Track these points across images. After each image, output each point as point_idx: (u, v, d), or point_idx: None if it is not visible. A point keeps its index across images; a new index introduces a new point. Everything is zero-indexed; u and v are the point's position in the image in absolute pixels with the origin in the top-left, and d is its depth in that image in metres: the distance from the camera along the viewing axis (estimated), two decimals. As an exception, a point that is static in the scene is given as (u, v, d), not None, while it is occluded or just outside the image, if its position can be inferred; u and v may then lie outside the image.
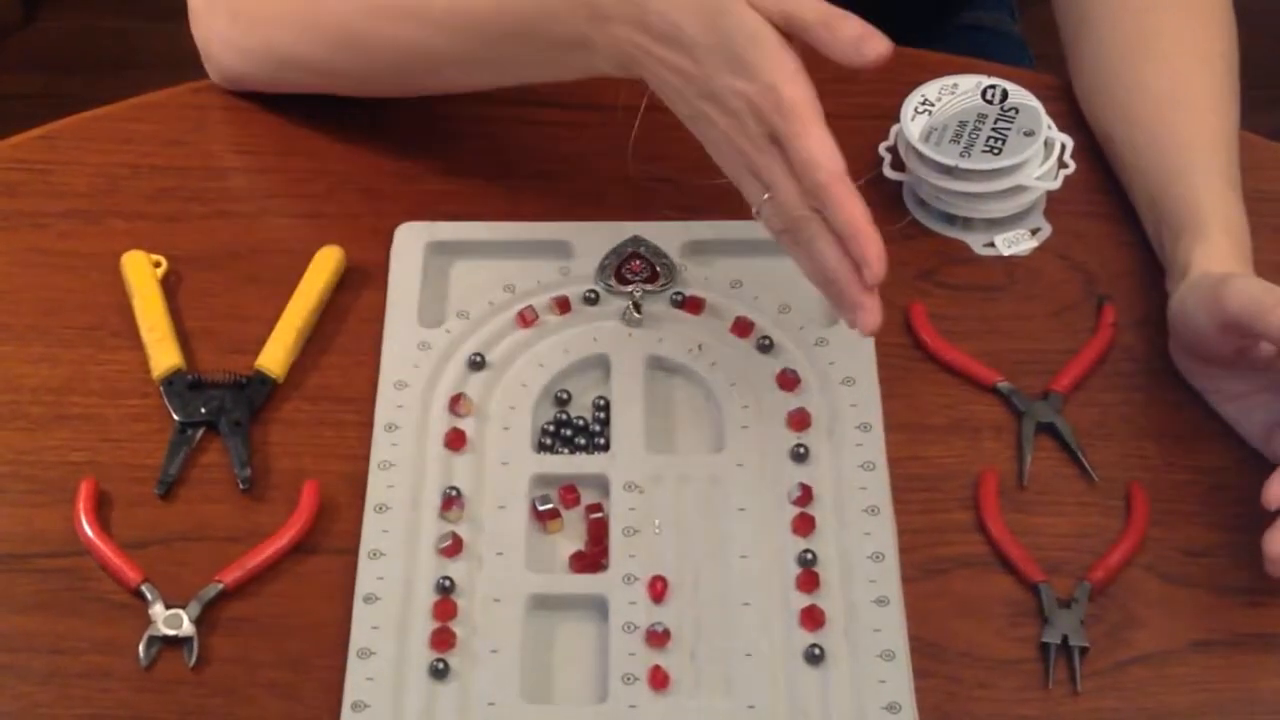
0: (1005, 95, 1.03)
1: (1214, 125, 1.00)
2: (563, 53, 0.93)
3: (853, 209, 0.83)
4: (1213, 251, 0.94)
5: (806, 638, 0.85)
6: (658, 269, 0.99)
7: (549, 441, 0.93)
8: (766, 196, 0.86)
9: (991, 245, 1.02)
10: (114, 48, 2.29)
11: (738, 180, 0.88)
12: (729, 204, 1.03)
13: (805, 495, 0.90)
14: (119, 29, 2.31)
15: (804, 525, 0.89)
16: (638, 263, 0.99)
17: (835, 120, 1.08)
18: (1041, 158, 1.01)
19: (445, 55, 0.98)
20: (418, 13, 0.97)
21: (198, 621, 0.85)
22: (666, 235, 1.01)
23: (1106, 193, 1.04)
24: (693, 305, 0.98)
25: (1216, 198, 0.96)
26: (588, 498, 0.91)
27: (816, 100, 0.84)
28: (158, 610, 0.86)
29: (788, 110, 0.83)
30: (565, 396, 0.95)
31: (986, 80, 1.03)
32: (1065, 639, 0.84)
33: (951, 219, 1.03)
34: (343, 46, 1.01)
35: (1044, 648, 0.85)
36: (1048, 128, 1.02)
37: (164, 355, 0.96)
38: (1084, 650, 0.84)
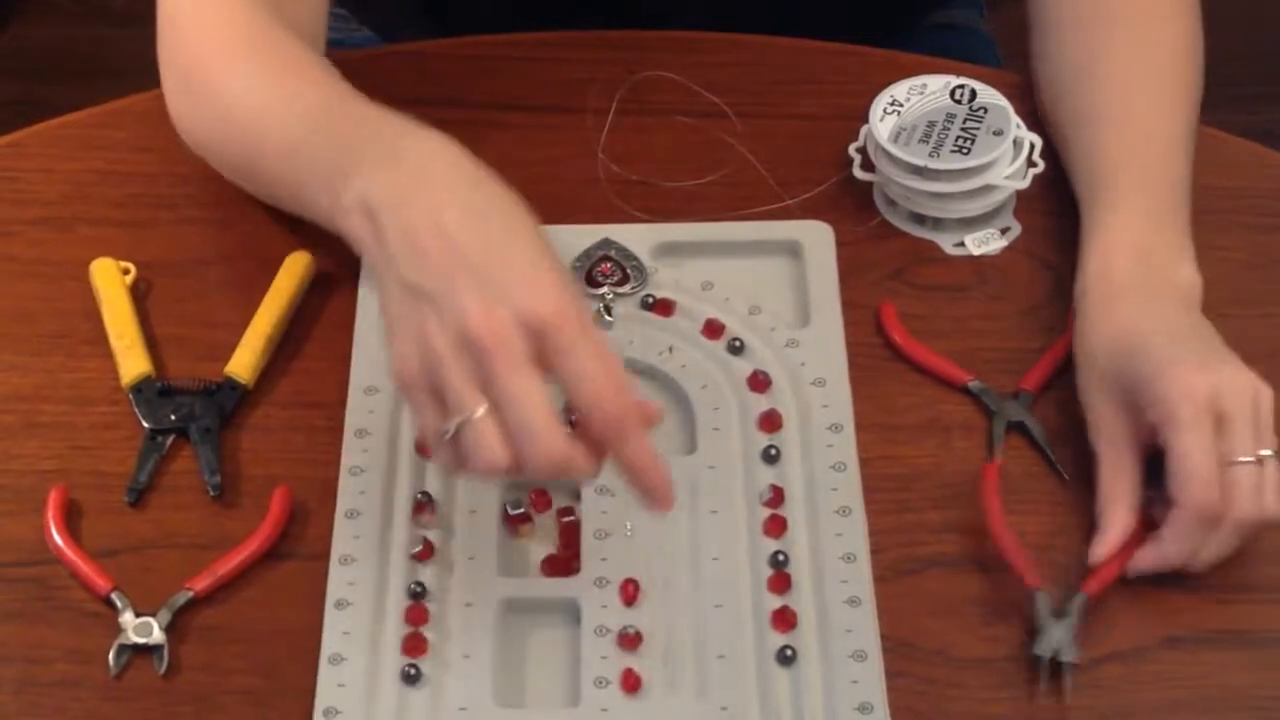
0: (974, 95, 1.03)
1: (1148, 131, 0.99)
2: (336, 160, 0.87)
3: (645, 449, 0.78)
4: (1112, 229, 0.94)
5: (778, 639, 0.85)
6: (628, 271, 0.99)
7: (520, 445, 0.93)
8: (456, 424, 0.77)
9: (962, 245, 1.03)
10: (89, 55, 2.28)
11: (422, 408, 0.79)
12: (699, 206, 1.04)
13: (776, 497, 0.90)
14: (94, 36, 2.31)
15: (775, 527, 0.89)
16: (608, 265, 0.99)
17: (805, 121, 1.09)
18: (1010, 157, 1.01)
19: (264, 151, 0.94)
20: (272, 97, 0.94)
21: (168, 629, 0.85)
22: (637, 237, 1.01)
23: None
24: (663, 307, 0.98)
25: (1127, 185, 0.96)
26: (559, 501, 0.91)
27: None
28: (128, 618, 0.85)
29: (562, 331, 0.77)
30: (536, 400, 0.95)
31: (955, 80, 1.03)
32: (1056, 654, 0.84)
33: (921, 219, 1.03)
34: (213, 127, 0.99)
35: (1034, 659, 0.84)
36: (1016, 127, 1.02)
37: (133, 362, 0.95)
38: (1073, 665, 0.84)
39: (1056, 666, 0.84)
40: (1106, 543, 0.86)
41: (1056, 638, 0.84)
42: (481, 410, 0.77)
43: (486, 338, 0.76)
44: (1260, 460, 0.85)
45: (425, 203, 0.81)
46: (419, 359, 0.78)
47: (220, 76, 0.97)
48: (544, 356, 0.77)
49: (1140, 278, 0.93)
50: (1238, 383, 0.86)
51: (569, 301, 0.78)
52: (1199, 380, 0.86)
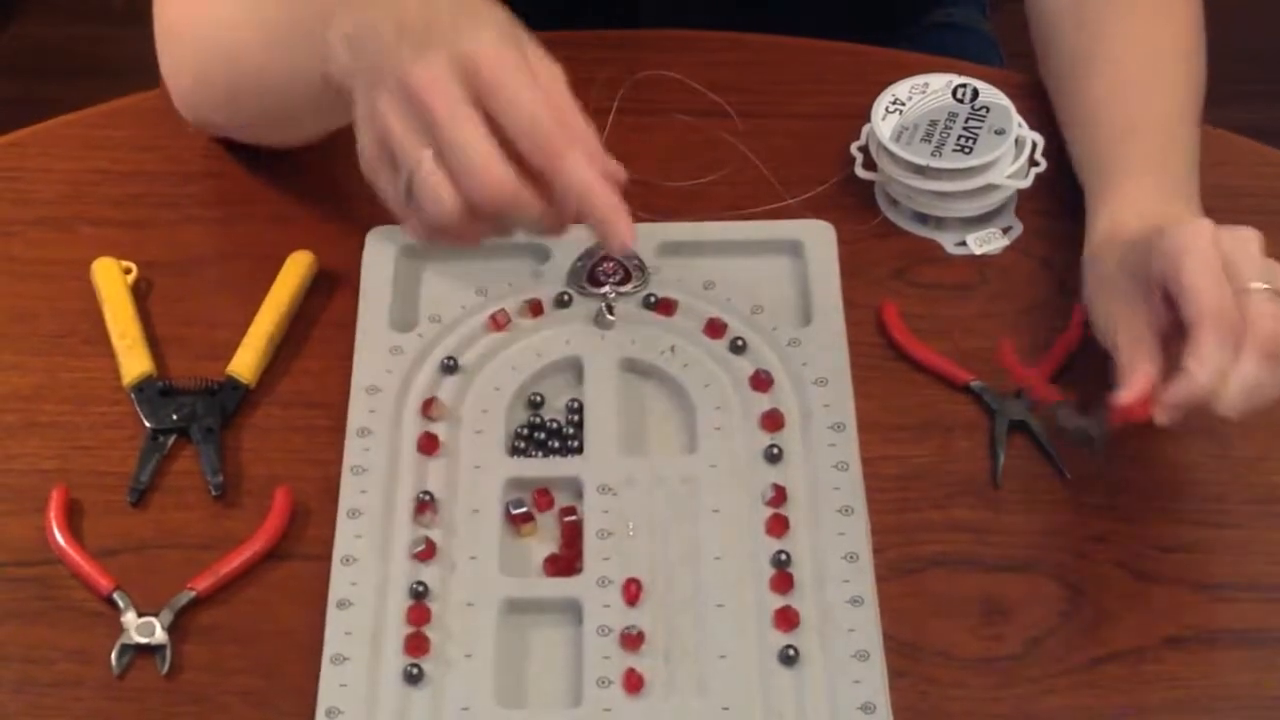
0: (976, 94, 1.03)
1: (1154, 110, 0.99)
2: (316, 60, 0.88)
3: (587, 176, 0.80)
4: (1119, 198, 0.94)
5: (781, 639, 0.85)
6: (630, 271, 0.99)
7: (522, 445, 0.93)
8: (405, 180, 0.80)
9: (963, 244, 1.03)
10: (90, 55, 2.28)
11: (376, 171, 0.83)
12: (701, 205, 1.04)
13: (779, 496, 0.90)
14: (94, 36, 2.31)
15: (778, 526, 0.89)
16: (610, 264, 0.99)
17: (807, 120, 1.09)
18: (1012, 156, 1.02)
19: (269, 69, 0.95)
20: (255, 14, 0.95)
21: (170, 629, 0.85)
22: (639, 237, 1.00)
23: (1078, 191, 1.04)
24: (665, 307, 0.98)
25: (1132, 159, 0.97)
26: (561, 501, 0.91)
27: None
28: (130, 618, 0.85)
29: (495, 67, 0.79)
30: (538, 400, 0.95)
31: (957, 79, 1.03)
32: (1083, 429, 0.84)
33: (923, 218, 1.03)
34: (230, 85, 0.99)
35: (1060, 430, 0.86)
36: (1018, 126, 1.02)
37: (135, 362, 0.95)
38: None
39: (1084, 440, 0.84)
40: (1132, 387, 0.84)
41: (1083, 422, 0.84)
42: (426, 157, 0.79)
43: (423, 89, 0.78)
44: (1277, 290, 0.84)
45: (386, 7, 0.83)
46: (374, 138, 0.81)
47: (200, 14, 0.99)
48: (481, 97, 0.79)
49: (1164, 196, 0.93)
50: (1239, 231, 0.86)
51: (502, 41, 0.79)
52: (1201, 225, 0.86)
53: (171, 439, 0.93)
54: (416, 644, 0.84)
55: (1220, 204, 1.03)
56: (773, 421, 0.93)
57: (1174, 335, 0.86)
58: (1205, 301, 0.83)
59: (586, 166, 0.81)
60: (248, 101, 0.99)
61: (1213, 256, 0.84)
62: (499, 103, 0.80)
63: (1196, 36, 1.04)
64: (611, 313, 0.97)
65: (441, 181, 0.80)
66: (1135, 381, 0.85)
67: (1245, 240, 0.86)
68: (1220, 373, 0.83)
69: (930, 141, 1.01)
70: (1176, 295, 0.85)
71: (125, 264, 1.00)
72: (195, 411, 0.94)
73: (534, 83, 0.80)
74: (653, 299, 0.98)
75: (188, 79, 1.02)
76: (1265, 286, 0.84)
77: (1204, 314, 0.83)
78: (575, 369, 0.96)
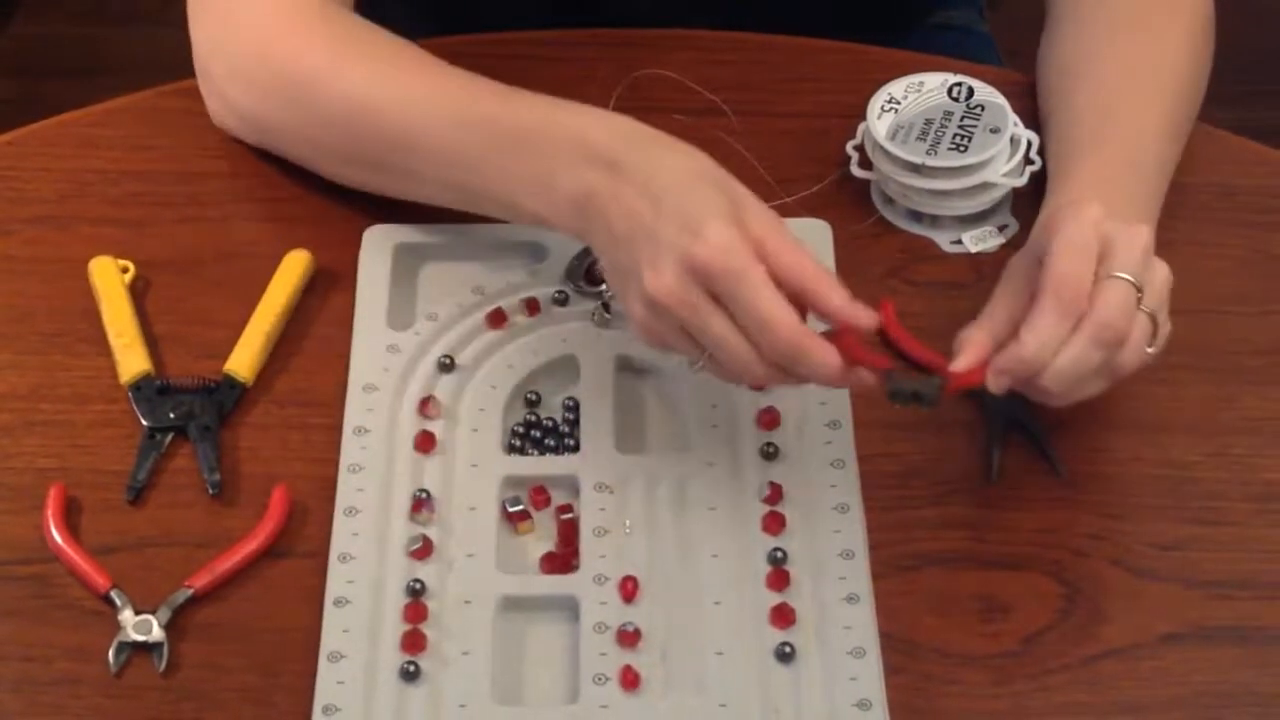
0: (971, 93, 1.03)
1: (1128, 124, 0.99)
2: (531, 173, 0.91)
3: (825, 358, 0.83)
4: (1070, 185, 0.95)
5: (777, 636, 0.85)
6: (626, 269, 0.99)
7: (519, 443, 0.93)
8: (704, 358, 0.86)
9: (959, 242, 1.03)
10: (87, 54, 2.28)
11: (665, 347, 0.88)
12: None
13: (775, 493, 0.90)
14: (92, 35, 2.31)
15: (774, 523, 0.89)
16: (607, 263, 0.99)
17: (803, 119, 1.09)
18: (1008, 154, 1.02)
19: (430, 149, 0.96)
20: (416, 98, 0.96)
21: (167, 627, 0.85)
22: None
23: (1074, 189, 1.04)
24: (662, 305, 0.98)
25: (1093, 158, 0.97)
26: (558, 498, 0.91)
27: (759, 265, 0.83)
28: (127, 616, 0.85)
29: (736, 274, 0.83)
30: (535, 398, 0.95)
31: (952, 78, 1.03)
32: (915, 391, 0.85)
33: (919, 216, 1.03)
34: (331, 123, 0.99)
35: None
36: (1014, 124, 1.02)
37: (132, 360, 0.95)
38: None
39: (915, 399, 0.85)
40: (964, 358, 0.86)
41: (916, 385, 0.85)
42: (700, 361, 0.86)
43: (663, 301, 0.84)
44: (1139, 290, 0.85)
45: (616, 190, 0.87)
46: (636, 324, 0.87)
47: (315, 65, 0.99)
48: (716, 294, 0.84)
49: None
50: (1133, 226, 0.87)
51: (726, 244, 0.83)
52: (1090, 208, 0.87)
53: (169, 437, 0.93)
54: (413, 641, 0.84)
55: (1220, 204, 1.04)
56: (769, 419, 0.93)
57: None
58: (1055, 275, 0.84)
59: (816, 366, 0.84)
60: (382, 172, 1.00)
61: (1088, 238, 0.85)
62: (734, 314, 0.84)
63: (1196, 53, 1.04)
64: (608, 311, 0.98)
65: (718, 369, 0.86)
66: (968, 352, 0.86)
67: (1133, 234, 0.87)
68: (1048, 346, 0.84)
69: (926, 140, 1.01)
70: (1043, 262, 0.86)
71: (123, 263, 1.00)
72: (193, 410, 0.94)
73: (756, 294, 0.83)
74: (649, 297, 0.98)
75: (281, 121, 1.02)
76: (1128, 278, 0.85)
77: (1050, 286, 0.84)
78: (572, 367, 0.96)
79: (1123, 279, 0.85)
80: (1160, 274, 0.87)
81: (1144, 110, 1.00)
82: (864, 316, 0.84)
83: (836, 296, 0.84)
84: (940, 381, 0.85)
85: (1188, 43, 1.04)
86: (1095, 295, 0.84)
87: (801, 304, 0.84)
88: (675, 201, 0.85)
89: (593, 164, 0.88)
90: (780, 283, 0.84)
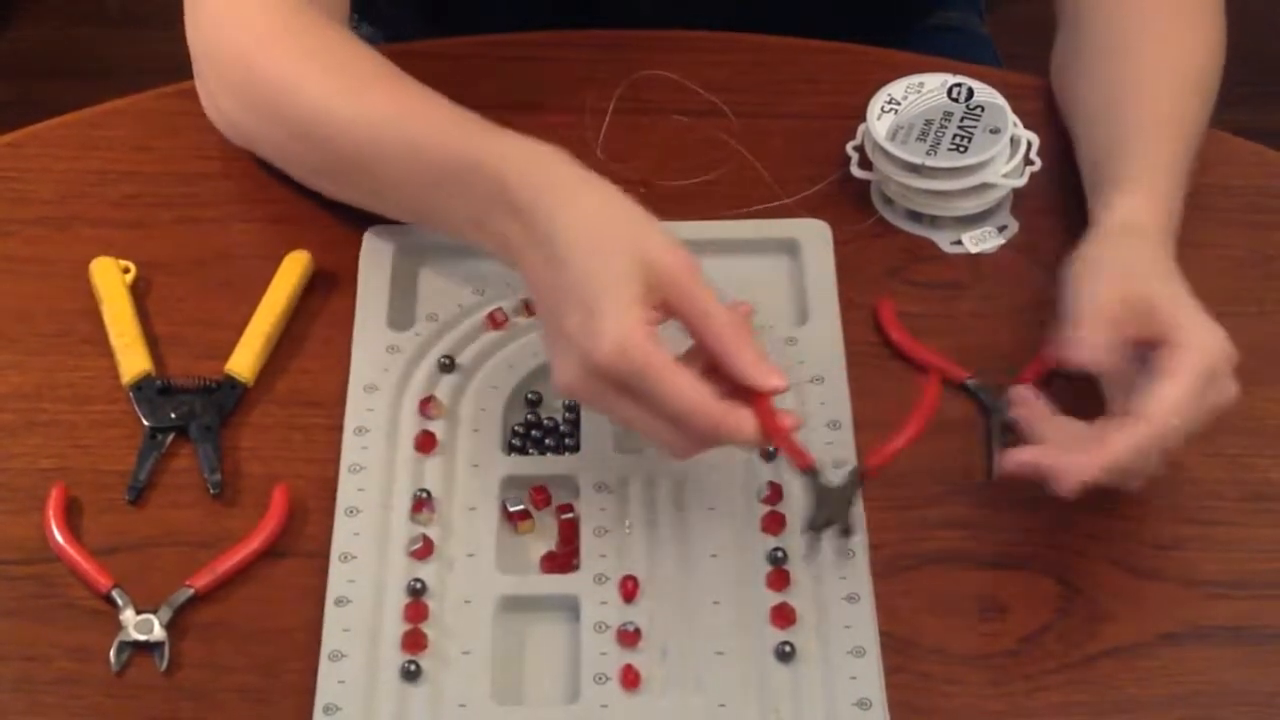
0: (971, 93, 1.03)
1: (1162, 113, 1.00)
2: (465, 210, 0.92)
3: (741, 428, 0.83)
4: (1128, 202, 0.94)
5: (777, 635, 0.85)
6: (626, 270, 0.99)
7: (519, 443, 0.93)
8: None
9: (959, 243, 1.03)
10: (87, 56, 2.28)
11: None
12: (697, 204, 1.04)
13: (775, 493, 0.90)
14: (91, 37, 2.31)
15: (774, 523, 0.89)
16: (606, 264, 0.99)
17: (803, 120, 1.09)
18: (1007, 155, 1.02)
19: (384, 172, 0.96)
20: (368, 121, 0.96)
21: (169, 627, 0.85)
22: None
23: (1072, 190, 1.04)
24: (662, 306, 0.98)
25: (1145, 161, 0.97)
26: (558, 498, 0.91)
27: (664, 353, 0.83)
28: (128, 616, 0.86)
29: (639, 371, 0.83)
30: (535, 398, 0.95)
31: (952, 79, 1.04)
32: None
33: (919, 217, 1.03)
34: (298, 135, 1.00)
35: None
36: (1013, 125, 1.02)
37: (133, 361, 0.96)
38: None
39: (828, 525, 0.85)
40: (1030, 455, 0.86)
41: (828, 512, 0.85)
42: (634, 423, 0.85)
43: (573, 394, 0.85)
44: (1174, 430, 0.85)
45: (526, 249, 0.87)
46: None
47: (283, 76, 0.99)
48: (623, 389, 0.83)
49: (1166, 246, 0.93)
50: (1231, 390, 0.87)
51: (621, 344, 0.82)
52: (1227, 346, 0.86)
53: (170, 437, 0.93)
54: (414, 641, 0.85)
55: (1220, 204, 1.04)
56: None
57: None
58: (1155, 421, 0.84)
59: (738, 436, 0.83)
60: (347, 186, 1.00)
61: (1203, 382, 0.85)
62: (643, 400, 0.83)
63: (1217, 53, 1.05)
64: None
65: (663, 437, 0.85)
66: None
67: (1227, 389, 0.87)
68: (1122, 472, 0.85)
69: (926, 141, 1.01)
70: (1156, 366, 0.85)
71: (123, 263, 1.00)
72: (194, 410, 0.94)
73: (662, 387, 0.82)
74: (649, 298, 0.98)
75: (256, 130, 1.03)
76: (1181, 427, 0.85)
77: (1146, 430, 0.84)
78: (572, 367, 0.96)
79: (1177, 430, 0.85)
80: (1224, 405, 0.87)
81: (1182, 105, 1.01)
82: (772, 378, 0.83)
83: (741, 354, 0.83)
84: (855, 470, 0.86)
85: (1210, 34, 1.05)
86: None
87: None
88: (574, 279, 0.84)
89: (508, 212, 0.88)
90: (691, 335, 0.84)
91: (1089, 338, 0.87)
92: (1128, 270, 0.90)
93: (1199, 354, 0.86)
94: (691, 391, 0.82)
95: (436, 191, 0.93)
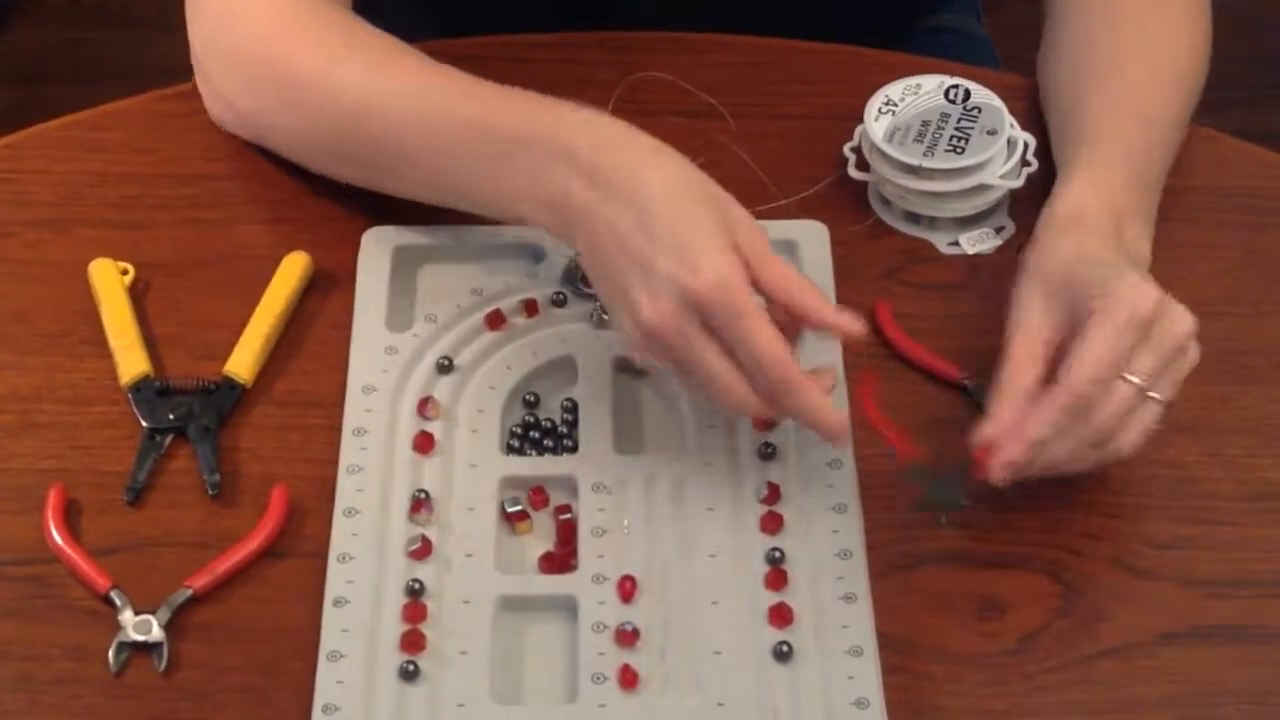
0: (968, 95, 1.03)
1: (1121, 104, 1.00)
2: (513, 175, 0.92)
3: (811, 400, 0.85)
4: (1069, 191, 0.95)
5: (775, 635, 0.85)
6: (625, 271, 0.99)
7: (517, 443, 0.94)
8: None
9: (956, 244, 1.03)
10: (86, 58, 2.28)
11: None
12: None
13: (773, 494, 0.90)
14: (91, 39, 2.31)
15: (772, 523, 0.89)
16: (605, 265, 0.99)
17: (800, 121, 1.09)
18: (1004, 156, 1.02)
19: (416, 149, 0.97)
20: (406, 100, 0.97)
21: (167, 627, 0.86)
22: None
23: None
24: (660, 306, 0.98)
25: (1092, 150, 0.97)
26: (556, 499, 0.91)
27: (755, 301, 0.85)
28: (127, 616, 0.86)
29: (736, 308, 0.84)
30: (533, 399, 0.95)
31: (949, 80, 1.04)
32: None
33: (916, 218, 1.04)
34: (324, 122, 1.00)
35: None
36: (1010, 127, 1.02)
37: (132, 362, 0.96)
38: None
39: (944, 505, 0.87)
40: (986, 431, 0.86)
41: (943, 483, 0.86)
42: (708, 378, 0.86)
43: (659, 331, 0.85)
44: (1145, 393, 0.85)
45: (598, 205, 0.88)
46: (631, 344, 0.89)
47: (312, 63, 0.99)
48: (711, 327, 0.85)
49: (1111, 234, 0.93)
50: (1182, 324, 0.87)
51: (723, 278, 0.84)
52: (1152, 294, 0.86)
53: (169, 438, 0.93)
54: (412, 641, 0.85)
55: (1220, 204, 1.04)
56: (767, 420, 0.93)
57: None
58: (1081, 371, 0.85)
59: (805, 401, 0.86)
60: (381, 172, 1.00)
61: (1128, 336, 0.85)
62: (728, 343, 0.85)
63: (1200, 47, 1.05)
64: (606, 313, 0.98)
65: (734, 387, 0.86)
66: (993, 427, 0.87)
67: (1176, 336, 0.86)
68: (1052, 435, 0.85)
69: (923, 142, 1.01)
70: (1078, 336, 0.86)
71: (122, 265, 1.00)
72: (192, 411, 0.94)
73: (750, 326, 0.84)
74: (648, 298, 0.98)
75: (280, 122, 1.03)
76: (1139, 383, 0.85)
77: (1072, 383, 0.85)
78: (570, 368, 0.96)
79: (1132, 383, 0.85)
80: (1189, 360, 0.87)
81: (1149, 95, 1.01)
82: (852, 323, 0.86)
83: (824, 306, 0.86)
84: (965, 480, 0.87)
85: (1188, 28, 1.05)
86: (1101, 395, 0.85)
87: (790, 319, 0.86)
88: (666, 226, 0.86)
89: (573, 172, 0.89)
90: (768, 295, 0.86)
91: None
92: (1064, 273, 0.90)
93: (1116, 307, 0.85)
94: (777, 342, 0.84)
95: (477, 161, 0.93)
